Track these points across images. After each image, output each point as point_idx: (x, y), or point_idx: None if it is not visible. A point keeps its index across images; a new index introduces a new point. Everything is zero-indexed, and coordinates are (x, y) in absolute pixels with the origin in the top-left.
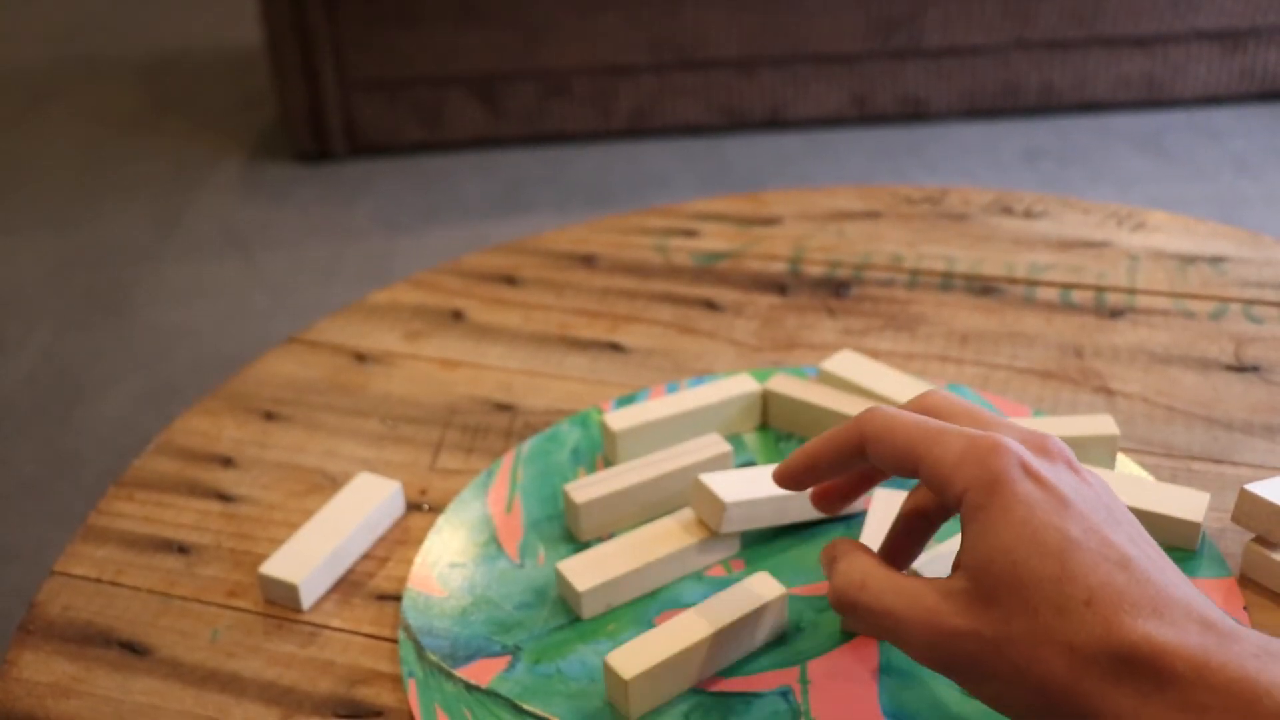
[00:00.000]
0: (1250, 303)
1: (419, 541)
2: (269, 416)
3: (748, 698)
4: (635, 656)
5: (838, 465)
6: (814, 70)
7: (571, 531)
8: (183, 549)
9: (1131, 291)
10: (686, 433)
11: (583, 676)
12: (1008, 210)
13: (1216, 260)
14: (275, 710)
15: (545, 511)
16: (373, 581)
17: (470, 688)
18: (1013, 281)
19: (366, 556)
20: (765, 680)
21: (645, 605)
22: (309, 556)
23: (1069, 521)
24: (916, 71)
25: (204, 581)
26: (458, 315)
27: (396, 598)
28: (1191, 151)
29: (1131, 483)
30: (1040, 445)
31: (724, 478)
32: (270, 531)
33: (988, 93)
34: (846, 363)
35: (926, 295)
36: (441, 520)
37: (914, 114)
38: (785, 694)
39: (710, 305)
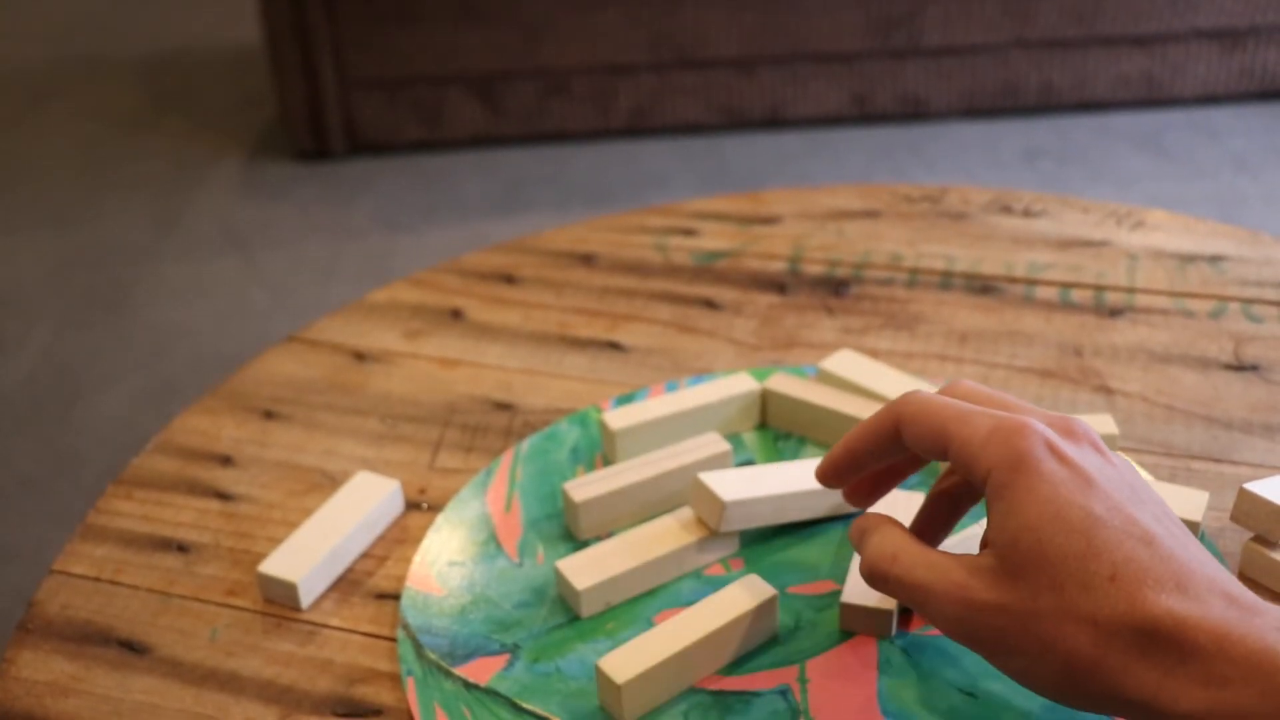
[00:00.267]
0: (1250, 302)
1: (418, 540)
2: (268, 415)
3: (746, 696)
4: (628, 661)
5: (876, 453)
6: (813, 69)
7: (570, 530)
8: (182, 548)
9: (1131, 290)
10: (685, 432)
11: (581, 675)
12: (1007, 209)
13: (1216, 259)
14: (274, 709)
15: (544, 510)
16: (372, 580)
17: (469, 686)
18: (1012, 280)
19: (365, 555)
20: (764, 679)
21: (644, 604)
22: (308, 555)
23: (1093, 500)
24: (916, 71)
25: (203, 580)
26: (457, 314)
27: (395, 596)
28: (1191, 151)
29: None
30: (1066, 427)
31: (723, 477)
32: (269, 530)
33: (987, 92)
34: (846, 362)
35: (926, 294)
36: (440, 519)
37: (913, 113)
38: (784, 693)
39: (709, 304)
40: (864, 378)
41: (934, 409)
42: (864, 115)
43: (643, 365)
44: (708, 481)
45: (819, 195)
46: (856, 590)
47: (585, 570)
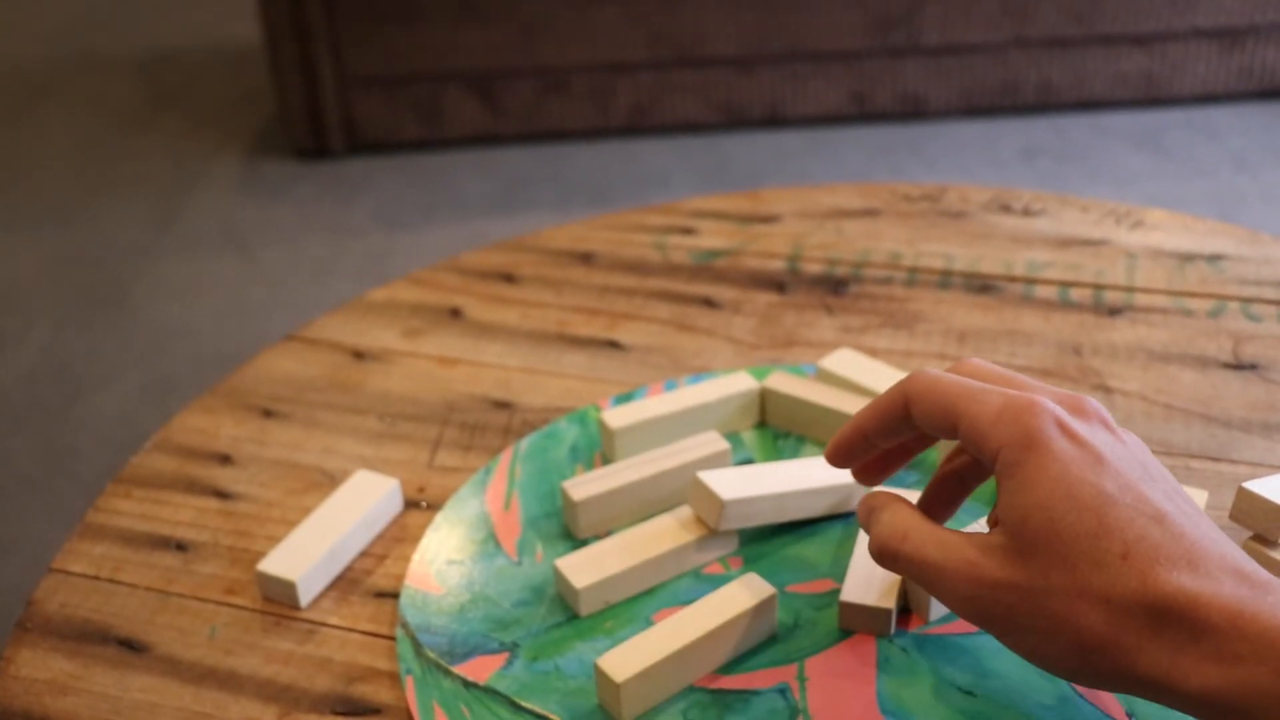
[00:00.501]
0: (1248, 301)
1: (417, 539)
2: (267, 414)
3: (746, 695)
4: (627, 659)
5: (885, 432)
6: (813, 68)
7: (569, 529)
8: (181, 546)
9: (1130, 289)
10: (685, 430)
11: (580, 674)
12: (1006, 208)
13: (1215, 258)
14: (273, 707)
15: (543, 509)
16: (370, 579)
17: (468, 685)
18: (1011, 279)
19: (364, 554)
20: (763, 678)
21: (643, 603)
22: (307, 554)
23: (1104, 478)
24: (915, 69)
25: (202, 579)
26: (456, 313)
27: (394, 595)
28: (1190, 149)
29: None
30: (1076, 405)
31: (722, 475)
32: (268, 529)
33: (986, 91)
34: (845, 361)
35: (925, 293)
36: (439, 518)
37: (913, 112)
38: (783, 691)
39: (709, 303)
40: (863, 376)
41: (943, 387)
42: (863, 114)
43: (642, 364)
44: (707, 480)
45: (818, 194)
46: (856, 589)
47: (584, 569)
